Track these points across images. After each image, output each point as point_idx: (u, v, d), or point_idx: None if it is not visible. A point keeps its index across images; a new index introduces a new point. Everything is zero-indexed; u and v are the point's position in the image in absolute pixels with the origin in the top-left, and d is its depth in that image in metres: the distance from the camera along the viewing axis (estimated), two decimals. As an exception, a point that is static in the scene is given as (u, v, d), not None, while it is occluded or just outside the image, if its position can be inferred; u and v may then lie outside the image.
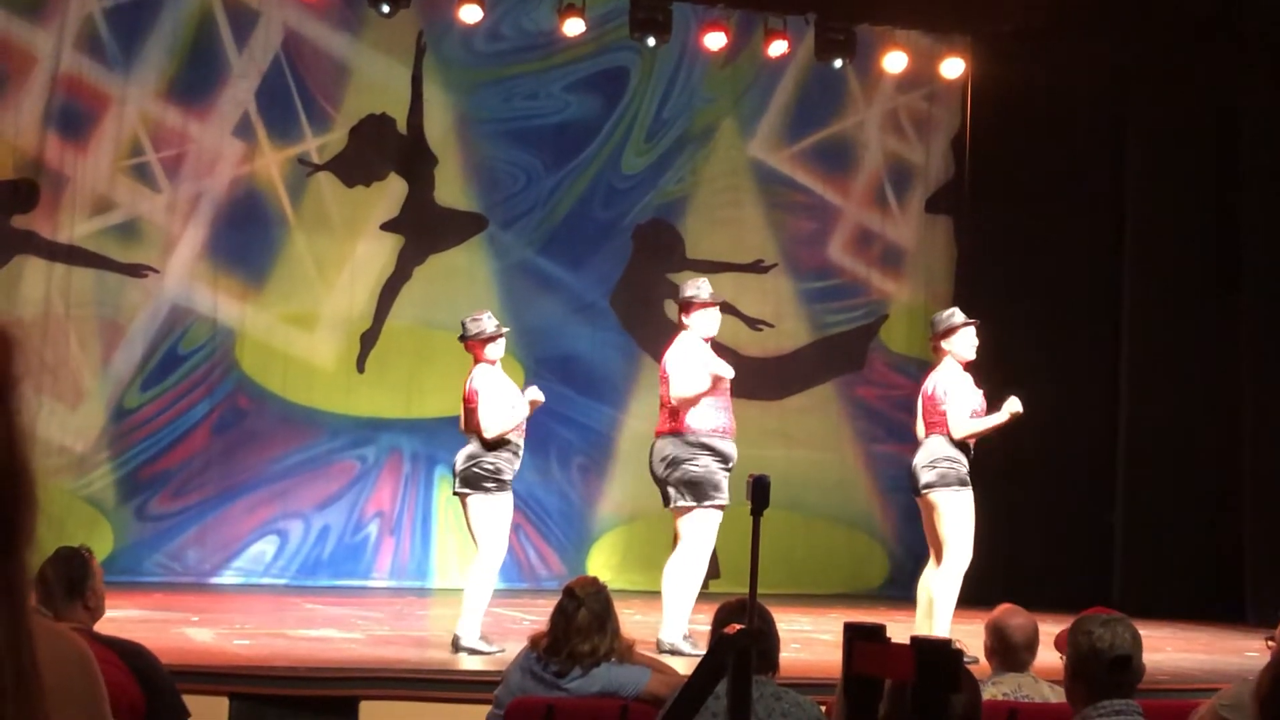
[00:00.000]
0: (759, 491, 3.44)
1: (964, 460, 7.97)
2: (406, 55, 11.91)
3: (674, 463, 7.70)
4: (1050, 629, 5.19)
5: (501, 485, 7.62)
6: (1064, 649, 3.86)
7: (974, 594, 11.42)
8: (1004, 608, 5.08)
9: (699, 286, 8.00)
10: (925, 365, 12.21)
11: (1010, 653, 4.94)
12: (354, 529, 11.57)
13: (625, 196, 12.32)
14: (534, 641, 5.12)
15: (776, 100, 12.59)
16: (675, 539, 7.83)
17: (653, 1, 11.44)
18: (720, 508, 7.73)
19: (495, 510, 7.63)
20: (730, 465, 7.80)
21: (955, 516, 7.94)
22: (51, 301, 11.15)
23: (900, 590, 11.54)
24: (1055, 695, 4.82)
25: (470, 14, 11.29)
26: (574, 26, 11.45)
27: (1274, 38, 11.17)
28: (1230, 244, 11.41)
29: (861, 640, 2.23)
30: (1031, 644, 4.98)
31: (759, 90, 12.56)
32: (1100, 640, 3.71)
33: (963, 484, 7.94)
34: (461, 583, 11.58)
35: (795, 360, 12.50)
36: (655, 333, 11.25)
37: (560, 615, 5.06)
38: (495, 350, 7.78)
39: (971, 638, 5.38)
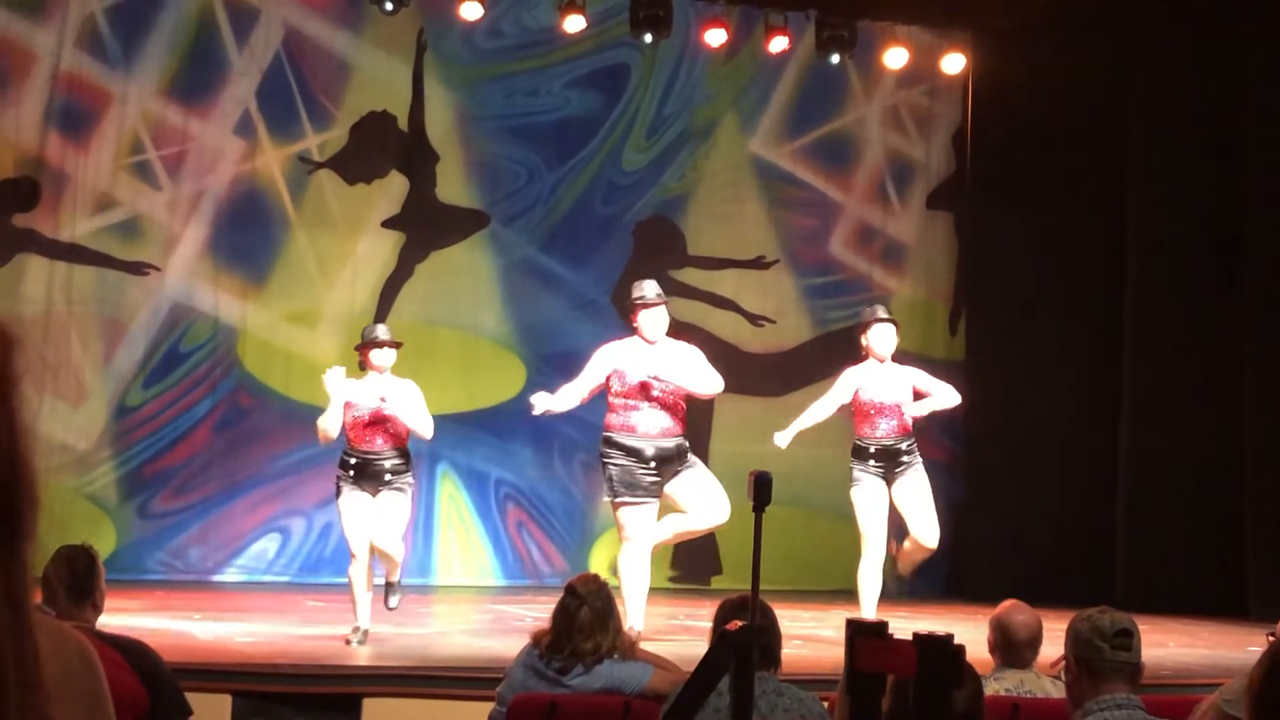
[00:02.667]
0: (761, 488, 3.43)
1: (858, 456, 8.50)
2: (407, 52, 11.91)
3: (600, 459, 8.10)
4: (1053, 625, 5.19)
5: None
6: (1066, 653, 3.87)
7: (977, 590, 11.46)
8: (1007, 604, 5.07)
9: (643, 287, 8.18)
10: (927, 361, 12.24)
11: (1013, 649, 4.94)
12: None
13: (626, 193, 12.31)
14: (536, 639, 5.13)
15: (777, 96, 12.58)
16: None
17: (653, -2, 11.43)
18: (635, 503, 7.95)
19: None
20: (649, 461, 7.93)
21: (858, 511, 8.47)
22: (53, 300, 11.15)
23: (903, 586, 11.54)
24: (1058, 691, 4.81)
25: (471, 11, 11.28)
26: (574, 23, 11.44)
27: (1276, 31, 11.15)
28: (1233, 239, 11.40)
29: (864, 636, 2.24)
30: (1035, 640, 4.98)
31: (760, 86, 12.55)
32: (1099, 620, 3.75)
33: (854, 481, 8.49)
34: (462, 579, 11.69)
35: (797, 356, 12.49)
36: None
37: (562, 613, 5.07)
38: (378, 358, 8.18)
39: (974, 634, 5.38)
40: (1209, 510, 11.28)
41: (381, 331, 8.29)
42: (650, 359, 8.01)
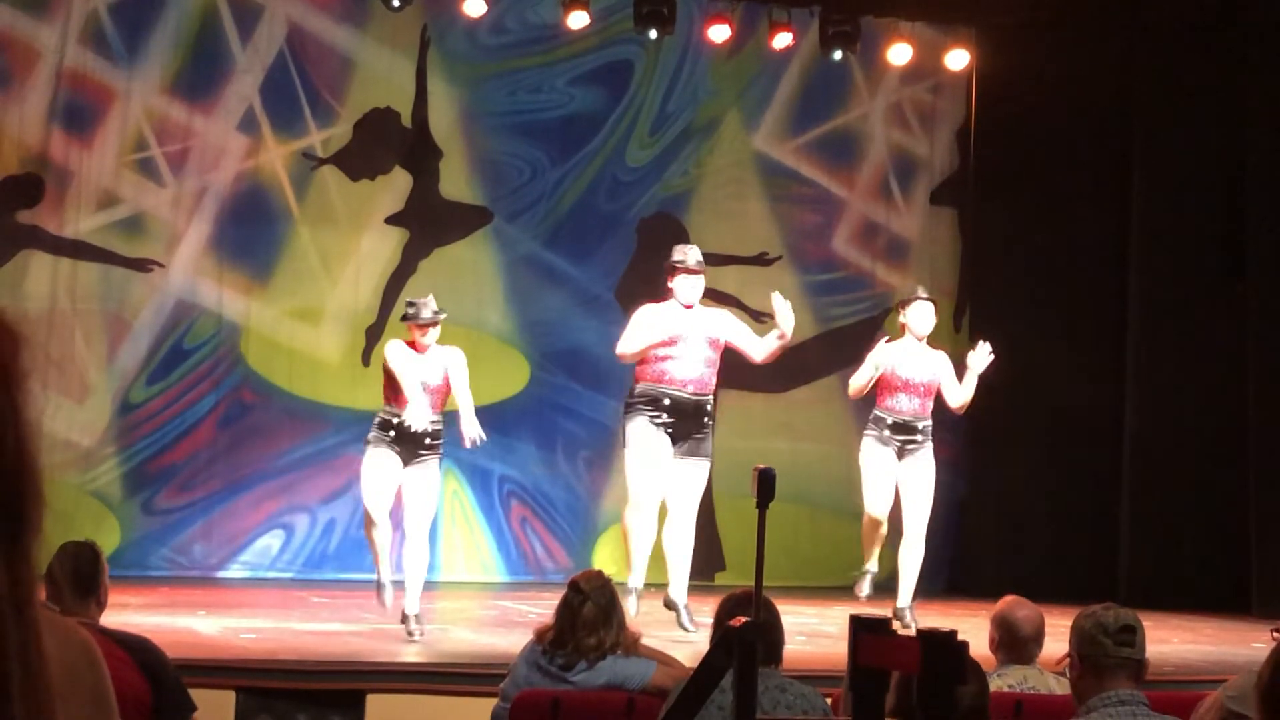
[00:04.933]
0: (764, 484, 3.43)
1: (874, 424, 8.65)
2: (411, 49, 11.91)
3: (624, 410, 8.20)
4: (1056, 621, 5.19)
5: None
6: (1064, 664, 3.89)
7: (980, 587, 11.46)
8: (1009, 600, 5.07)
9: (685, 252, 8.20)
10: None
11: (1017, 645, 4.93)
12: (360, 523, 11.51)
13: (630, 190, 12.31)
14: (539, 635, 5.14)
15: (781, 93, 12.57)
16: None
17: (657, -6, 11.42)
18: (643, 461, 8.02)
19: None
20: (661, 409, 8.00)
21: (864, 475, 8.63)
22: (57, 296, 11.15)
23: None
24: (1061, 687, 4.81)
25: (474, 7, 11.28)
26: (578, 20, 11.43)
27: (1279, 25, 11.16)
28: (1236, 235, 11.40)
29: (867, 633, 2.24)
30: (1038, 636, 4.97)
31: (763, 83, 12.55)
32: (1104, 617, 3.76)
33: (864, 449, 8.66)
34: (465, 575, 11.69)
35: (800, 353, 12.45)
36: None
37: (566, 609, 5.07)
38: (420, 338, 8.13)
39: (977, 630, 5.38)
40: (1213, 507, 11.28)
41: (425, 310, 8.18)
42: (686, 317, 8.08)
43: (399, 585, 8.12)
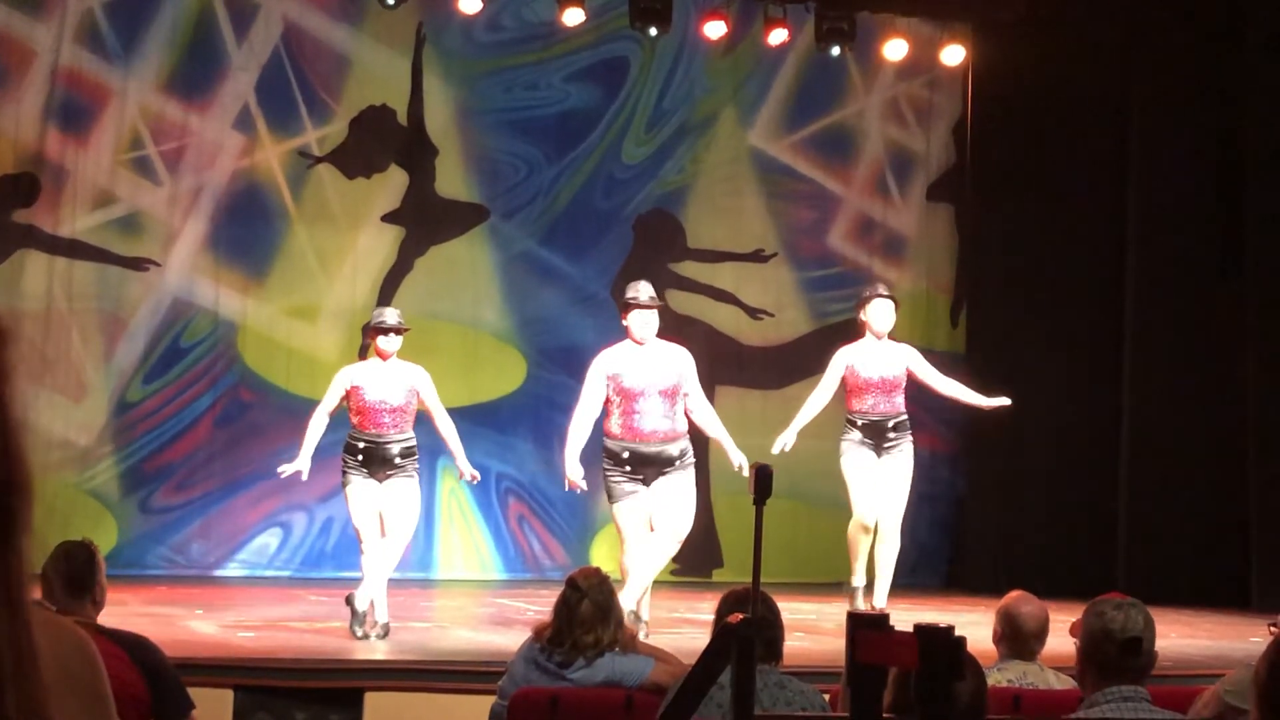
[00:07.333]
0: (762, 481, 3.42)
1: (847, 427, 8.56)
2: (406, 46, 11.90)
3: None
4: (1056, 616, 5.19)
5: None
6: (1078, 634, 3.85)
7: (978, 582, 11.46)
8: (1016, 595, 5.06)
9: (638, 288, 8.16)
10: (928, 354, 12.20)
11: (1020, 640, 4.93)
12: (357, 521, 11.55)
13: (626, 186, 12.30)
14: (537, 632, 5.13)
15: (777, 89, 12.56)
16: None
17: (652, -9, 11.40)
18: (620, 503, 7.99)
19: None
20: (623, 463, 7.96)
21: (847, 480, 8.54)
22: (53, 295, 11.15)
23: (905, 578, 11.53)
24: (1060, 683, 4.82)
25: (470, 4, 11.26)
26: (574, 16, 11.41)
27: (1277, 22, 11.15)
28: (1234, 230, 11.40)
29: (865, 629, 2.23)
30: (1042, 632, 4.97)
31: (759, 79, 12.54)
32: (1113, 622, 3.70)
33: (842, 453, 8.56)
34: (463, 573, 11.70)
35: (796, 349, 12.48)
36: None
37: (563, 606, 5.07)
38: (384, 343, 8.16)
39: (976, 625, 5.38)
40: (1212, 501, 11.27)
41: (389, 317, 8.25)
42: (643, 363, 8.01)
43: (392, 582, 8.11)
